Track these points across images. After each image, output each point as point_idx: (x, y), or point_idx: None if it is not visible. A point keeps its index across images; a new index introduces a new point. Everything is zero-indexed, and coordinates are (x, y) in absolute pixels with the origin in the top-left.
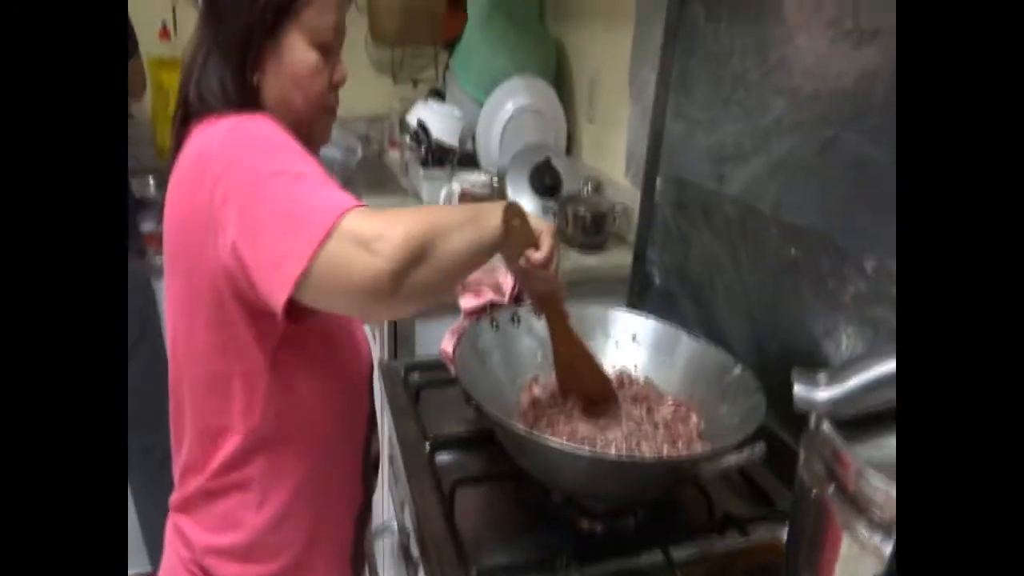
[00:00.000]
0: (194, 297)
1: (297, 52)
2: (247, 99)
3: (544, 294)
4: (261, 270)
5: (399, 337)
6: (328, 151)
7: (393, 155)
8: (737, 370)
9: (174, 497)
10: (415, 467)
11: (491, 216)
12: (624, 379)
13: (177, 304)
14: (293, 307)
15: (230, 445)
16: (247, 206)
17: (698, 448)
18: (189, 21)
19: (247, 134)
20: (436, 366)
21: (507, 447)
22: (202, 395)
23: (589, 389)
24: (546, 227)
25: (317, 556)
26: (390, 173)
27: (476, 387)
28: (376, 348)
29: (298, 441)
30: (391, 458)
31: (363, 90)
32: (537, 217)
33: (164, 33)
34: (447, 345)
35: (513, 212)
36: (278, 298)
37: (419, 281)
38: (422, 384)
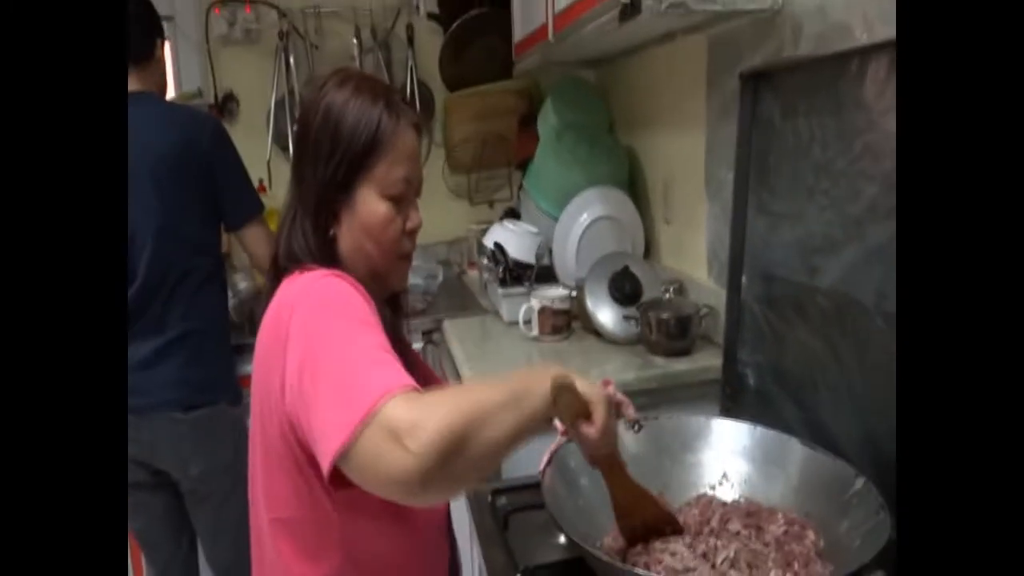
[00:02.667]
0: (268, 442)
1: (369, 204)
2: (326, 252)
3: (598, 458)
4: (312, 433)
5: None
6: (411, 279)
7: (472, 275)
8: (859, 483)
9: None
10: None
11: (535, 394)
12: (726, 495)
13: (257, 448)
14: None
15: None
16: (305, 369)
17: (817, 570)
18: (282, 174)
19: (314, 297)
20: (524, 488)
21: (599, 574)
22: (281, 540)
23: (653, 531)
24: (596, 396)
25: None
26: (470, 293)
27: (564, 513)
28: None
29: None
30: None
31: (441, 216)
32: (588, 384)
33: (261, 188)
34: (543, 466)
35: (560, 388)
36: (323, 467)
37: (455, 474)
38: (510, 508)
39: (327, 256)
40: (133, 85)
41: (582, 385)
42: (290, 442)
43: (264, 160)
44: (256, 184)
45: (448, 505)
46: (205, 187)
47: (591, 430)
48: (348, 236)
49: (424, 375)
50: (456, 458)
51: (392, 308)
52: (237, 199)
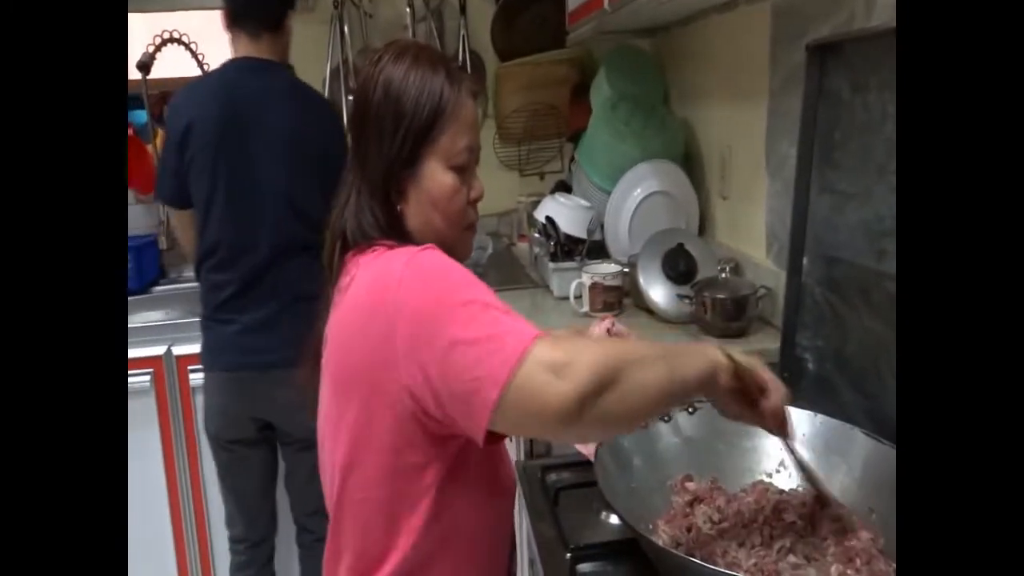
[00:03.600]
0: (373, 423)
1: (436, 176)
2: (397, 227)
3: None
4: (455, 399)
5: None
6: None
7: (522, 247)
8: None
9: None
10: None
11: (689, 365)
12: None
13: (352, 431)
14: (488, 433)
15: (386, 569)
16: (436, 335)
17: (880, 567)
18: None
19: (425, 267)
20: (576, 465)
21: (653, 561)
22: (365, 520)
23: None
24: (766, 374)
25: None
26: (519, 266)
27: (616, 493)
28: (512, 449)
29: (449, 561)
30: (531, 562)
31: (491, 187)
32: (747, 359)
33: None
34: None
35: (739, 369)
36: (478, 425)
37: (607, 408)
38: (561, 485)
39: (398, 232)
40: (262, 52)
41: (747, 362)
42: (403, 423)
43: None
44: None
45: (515, 473)
46: (319, 160)
47: (771, 403)
48: (416, 210)
49: None
50: (609, 391)
51: None
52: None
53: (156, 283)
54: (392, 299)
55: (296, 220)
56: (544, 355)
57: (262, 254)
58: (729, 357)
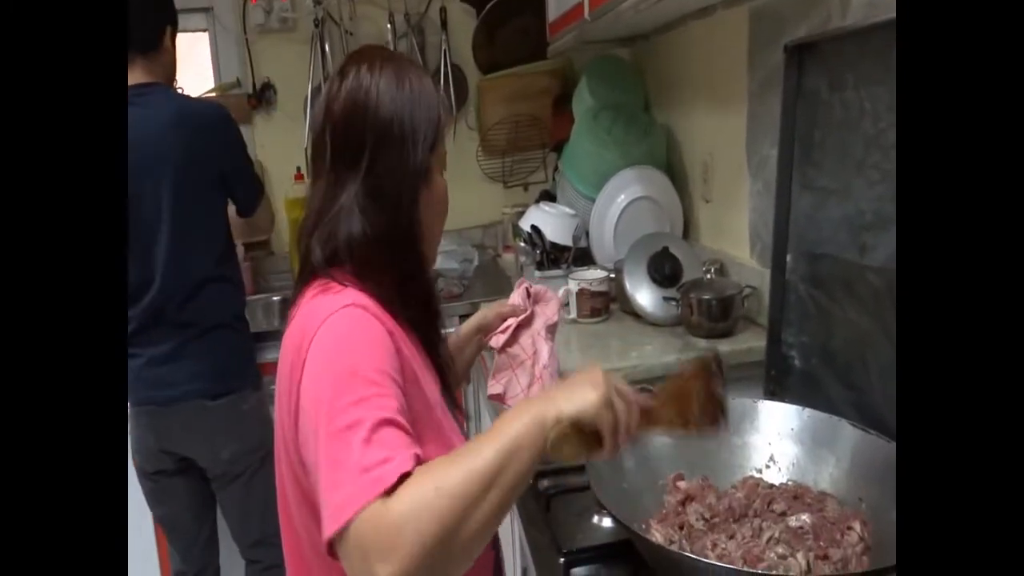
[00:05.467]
0: (286, 469)
1: (439, 182)
2: (413, 242)
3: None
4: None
5: None
6: (446, 262)
7: (508, 258)
8: None
9: None
10: None
11: (525, 452)
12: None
13: (287, 463)
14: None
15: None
16: (317, 420)
17: (866, 561)
18: None
19: (335, 337)
20: (567, 470)
21: (648, 559)
22: (301, 526)
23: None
24: (599, 416)
25: None
26: (505, 276)
27: (609, 496)
28: None
29: None
30: (524, 570)
31: (476, 199)
32: (583, 399)
33: (299, 176)
34: (494, 389)
35: (557, 442)
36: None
37: (446, 571)
38: (553, 491)
39: (411, 249)
40: (139, 76)
41: (579, 413)
42: (298, 474)
43: (301, 148)
44: (293, 173)
45: None
46: (215, 183)
47: (605, 454)
48: (424, 215)
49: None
50: (441, 565)
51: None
52: (248, 187)
53: None
54: (300, 359)
55: (194, 254)
56: (363, 534)
57: (160, 291)
58: (556, 435)
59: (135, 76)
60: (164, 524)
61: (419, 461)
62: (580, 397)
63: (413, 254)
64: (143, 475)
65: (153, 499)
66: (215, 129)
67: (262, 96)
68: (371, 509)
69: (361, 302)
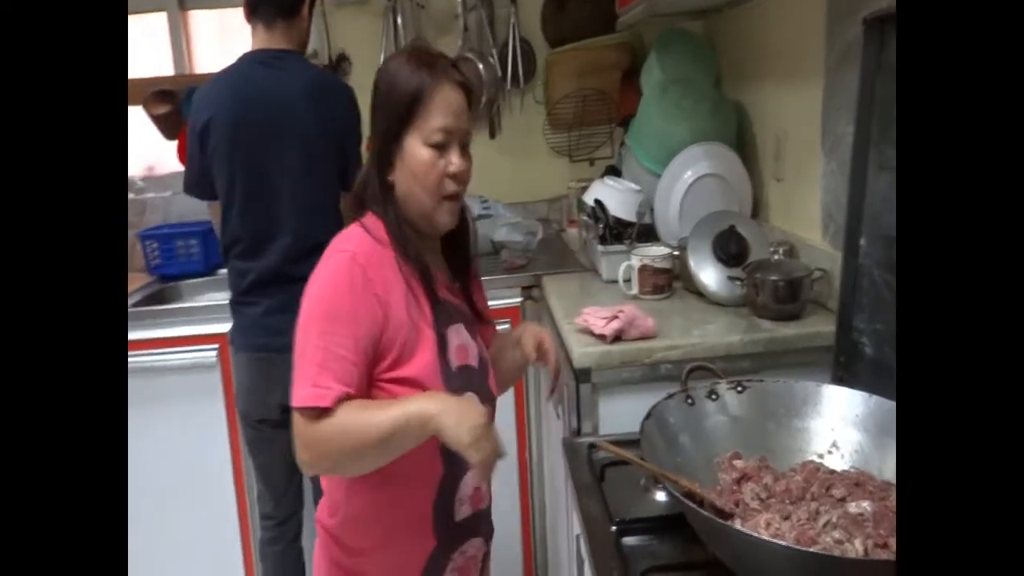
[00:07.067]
0: None
1: (414, 151)
2: (387, 196)
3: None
4: None
5: (582, 413)
6: (510, 235)
7: (572, 232)
8: None
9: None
10: (601, 552)
11: (410, 433)
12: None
13: None
14: None
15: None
16: (300, 330)
17: None
18: None
19: (328, 271)
20: (622, 443)
21: (699, 533)
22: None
23: None
24: (466, 442)
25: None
26: (569, 251)
27: (663, 468)
28: (560, 425)
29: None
30: (578, 537)
31: (541, 173)
32: (457, 427)
33: (368, 147)
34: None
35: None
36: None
37: (334, 472)
38: (607, 462)
39: (387, 200)
40: (277, 41)
41: (447, 440)
42: None
43: None
44: (364, 143)
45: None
46: (335, 155)
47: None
48: (402, 181)
49: (466, 323)
50: (337, 468)
51: (452, 251)
52: (357, 164)
53: (220, 266)
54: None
55: (313, 218)
56: (297, 427)
57: (280, 250)
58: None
59: (274, 40)
60: (262, 472)
61: (349, 397)
62: (454, 434)
63: (391, 207)
64: (246, 424)
65: (254, 448)
66: (344, 104)
67: (338, 67)
68: (307, 414)
69: (360, 248)
